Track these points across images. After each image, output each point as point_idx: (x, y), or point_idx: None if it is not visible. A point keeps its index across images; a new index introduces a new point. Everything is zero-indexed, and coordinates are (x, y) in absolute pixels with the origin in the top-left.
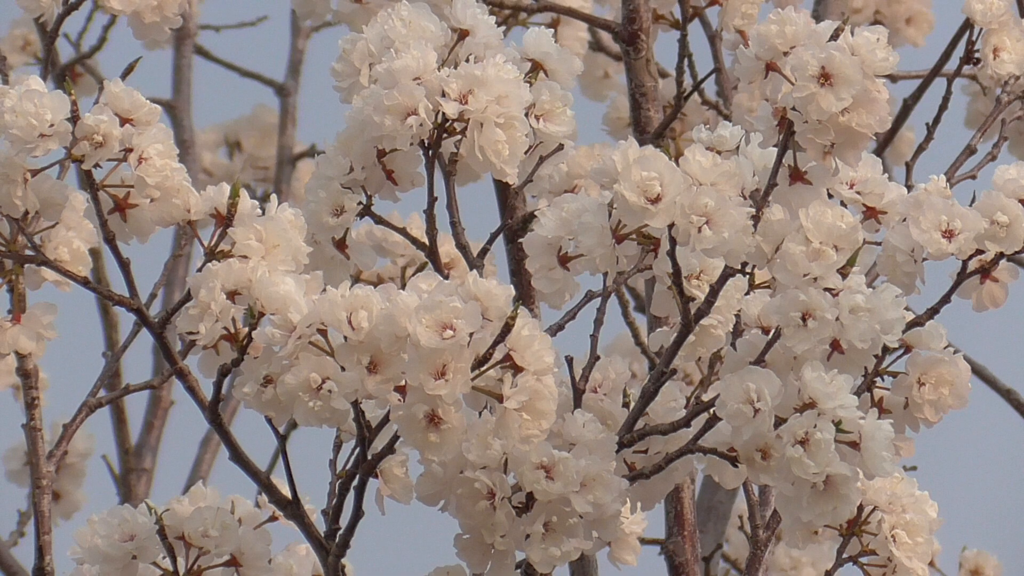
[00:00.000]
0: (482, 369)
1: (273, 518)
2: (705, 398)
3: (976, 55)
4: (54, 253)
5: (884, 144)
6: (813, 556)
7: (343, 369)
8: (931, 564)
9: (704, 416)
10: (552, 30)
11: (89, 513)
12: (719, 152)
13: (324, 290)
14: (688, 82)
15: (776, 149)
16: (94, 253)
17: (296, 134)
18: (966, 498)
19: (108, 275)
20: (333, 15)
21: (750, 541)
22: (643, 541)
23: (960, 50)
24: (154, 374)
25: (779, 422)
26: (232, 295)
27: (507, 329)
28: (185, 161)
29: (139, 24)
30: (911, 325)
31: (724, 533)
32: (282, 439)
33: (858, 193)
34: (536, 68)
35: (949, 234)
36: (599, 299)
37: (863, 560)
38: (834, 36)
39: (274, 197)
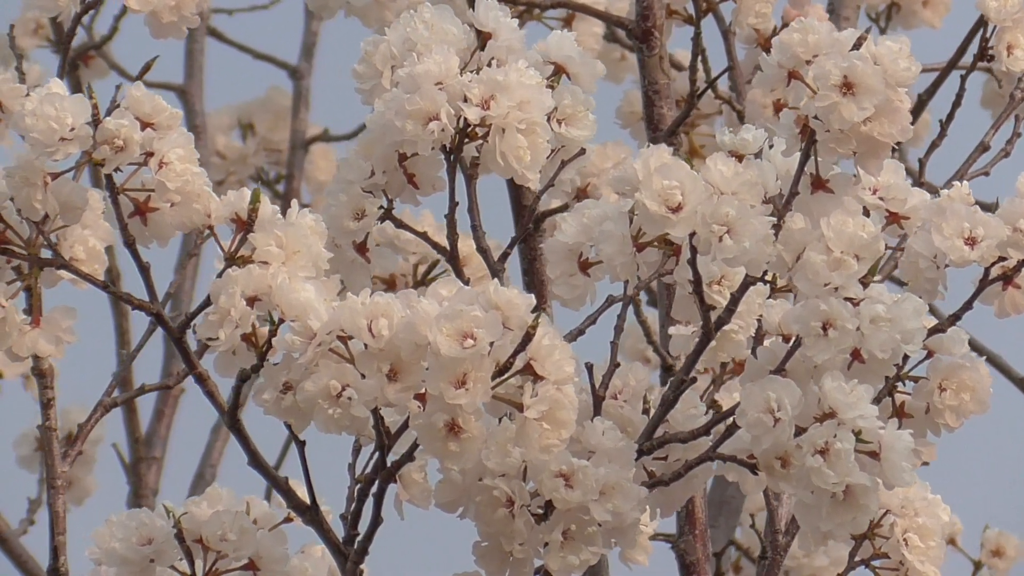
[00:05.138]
0: (503, 378)
1: (288, 519)
2: (718, 398)
3: (990, 52)
4: (69, 252)
5: None
6: (828, 545)
7: (363, 377)
8: (952, 543)
9: (724, 423)
10: (567, 26)
11: (99, 501)
12: (741, 156)
13: (342, 294)
14: (701, 76)
15: (798, 156)
16: (107, 249)
17: (309, 117)
18: (981, 483)
19: (121, 267)
20: (346, 9)
21: (768, 545)
22: (654, 538)
23: (974, 46)
24: (165, 366)
25: (799, 431)
26: (252, 301)
27: (528, 338)
28: (197, 146)
29: (157, 23)
30: (933, 331)
31: (735, 528)
32: (301, 445)
33: (881, 199)
34: (558, 71)
35: (972, 241)
36: (618, 304)
37: (875, 564)
38: (856, 45)
39: (295, 203)
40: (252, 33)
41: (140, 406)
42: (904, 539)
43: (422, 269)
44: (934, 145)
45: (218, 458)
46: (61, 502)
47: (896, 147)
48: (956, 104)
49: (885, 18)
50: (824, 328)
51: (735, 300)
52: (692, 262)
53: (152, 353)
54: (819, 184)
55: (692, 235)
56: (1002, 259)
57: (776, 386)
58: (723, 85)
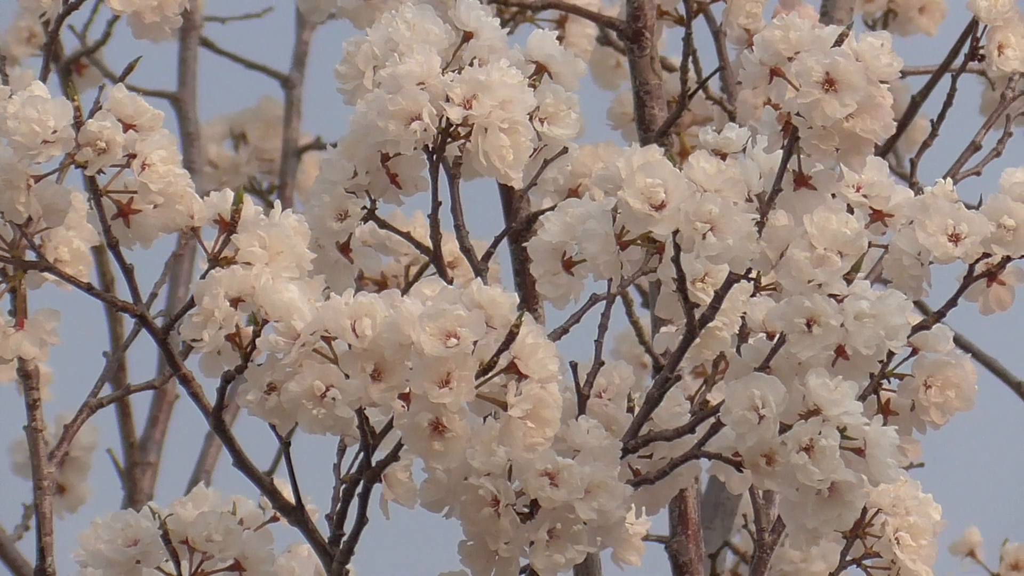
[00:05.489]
0: (486, 377)
1: (275, 519)
2: (710, 398)
3: (981, 51)
4: (54, 253)
5: (894, 138)
6: (824, 548)
7: (347, 377)
8: (972, 555)
9: (709, 421)
10: (560, 28)
11: (94, 507)
12: (725, 154)
13: (326, 295)
14: (692, 77)
15: (781, 153)
16: (98, 249)
17: (301, 126)
18: (975, 492)
19: (113, 270)
20: (337, 11)
21: (755, 544)
22: (647, 539)
23: (967, 48)
24: (159, 369)
25: (784, 428)
26: (235, 302)
27: (511, 337)
28: (190, 153)
29: (139, 24)
30: (917, 329)
31: (731, 529)
32: (285, 445)
33: (864, 196)
34: (540, 70)
35: (955, 238)
36: (603, 302)
37: (867, 563)
38: (838, 42)
39: (278, 203)
40: (244, 43)
41: (135, 411)
42: (896, 538)
43: (414, 270)
44: (925, 145)
45: (213, 463)
46: (48, 503)
47: (891, 148)
48: (947, 104)
49: (882, 24)
50: (808, 325)
51: (719, 298)
52: (676, 260)
53: (148, 356)
54: (802, 181)
55: (675, 233)
56: (986, 255)
57: (760, 383)
58: (714, 86)
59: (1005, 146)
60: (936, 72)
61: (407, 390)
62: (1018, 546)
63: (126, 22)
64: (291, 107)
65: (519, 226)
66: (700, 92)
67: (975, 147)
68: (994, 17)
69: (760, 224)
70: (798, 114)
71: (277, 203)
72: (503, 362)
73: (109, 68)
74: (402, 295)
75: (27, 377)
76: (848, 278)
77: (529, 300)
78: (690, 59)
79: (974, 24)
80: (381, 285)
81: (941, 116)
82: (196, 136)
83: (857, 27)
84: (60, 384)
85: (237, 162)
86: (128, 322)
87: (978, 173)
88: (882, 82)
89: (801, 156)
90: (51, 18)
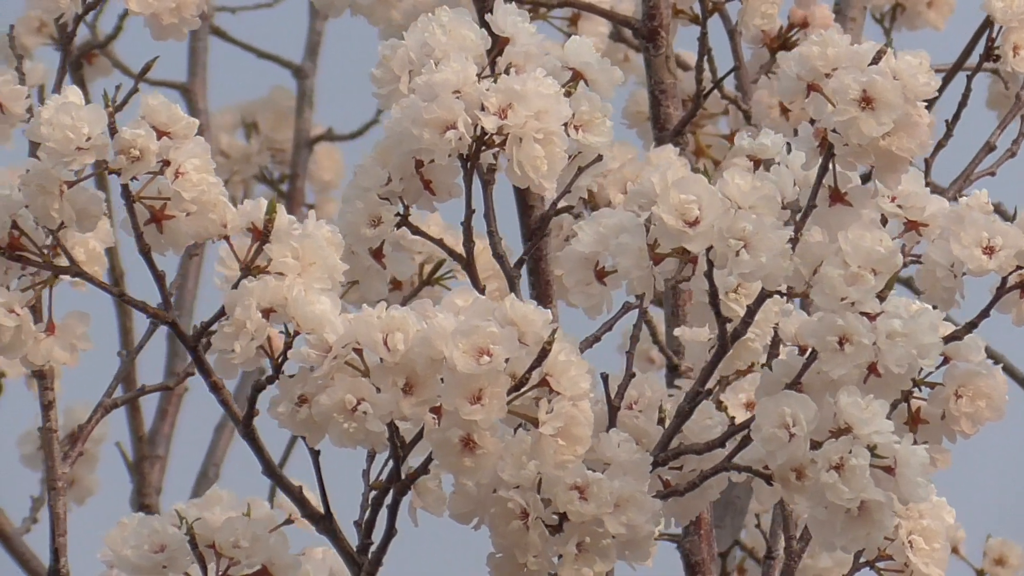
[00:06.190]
0: (518, 393)
1: (289, 521)
2: (724, 399)
3: (996, 52)
4: (70, 254)
5: None
6: None
7: (378, 390)
8: (955, 551)
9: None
10: (572, 26)
11: (102, 500)
12: (759, 161)
13: (348, 295)
14: (707, 76)
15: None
16: (110, 248)
17: (313, 116)
18: (985, 488)
19: (122, 266)
20: (352, 7)
21: (784, 552)
22: (659, 537)
23: (980, 47)
24: (168, 365)
25: (814, 445)
26: (267, 313)
27: (544, 354)
28: None
29: (157, 25)
30: (949, 339)
31: (741, 528)
32: (315, 453)
33: (899, 206)
34: (576, 77)
35: (990, 251)
36: (635, 311)
37: (880, 565)
38: (876, 59)
39: (312, 213)
40: (256, 32)
41: (143, 404)
42: (909, 541)
43: (428, 269)
44: (940, 145)
45: (222, 456)
46: (62, 504)
47: None
48: (962, 104)
49: (890, 19)
50: (840, 343)
51: (751, 312)
52: (709, 275)
53: (156, 352)
54: (837, 197)
55: (709, 249)
56: (1020, 268)
57: (791, 401)
58: (729, 85)
59: (1020, 146)
60: (949, 72)
61: (438, 404)
62: (1001, 541)
63: (144, 23)
64: (303, 97)
65: (534, 223)
66: (715, 91)
67: (990, 148)
68: (1010, 18)
69: (794, 240)
70: (834, 131)
71: (312, 213)
72: (535, 378)
73: (119, 57)
74: (416, 294)
75: (42, 377)
76: (881, 296)
77: (542, 299)
78: (705, 58)
79: (989, 24)
80: (395, 284)
81: (956, 117)
82: (206, 127)
83: (867, 22)
84: (69, 377)
85: (248, 152)
86: (138, 318)
87: (992, 173)
88: (919, 100)
89: (836, 172)
90: (68, 20)
